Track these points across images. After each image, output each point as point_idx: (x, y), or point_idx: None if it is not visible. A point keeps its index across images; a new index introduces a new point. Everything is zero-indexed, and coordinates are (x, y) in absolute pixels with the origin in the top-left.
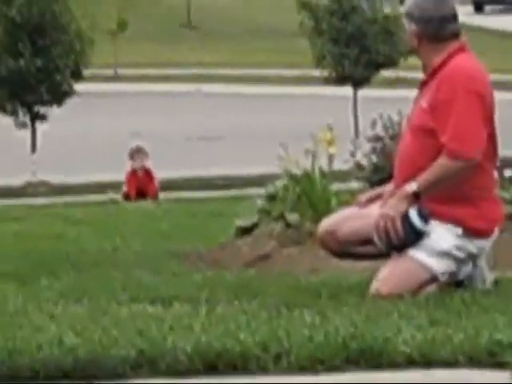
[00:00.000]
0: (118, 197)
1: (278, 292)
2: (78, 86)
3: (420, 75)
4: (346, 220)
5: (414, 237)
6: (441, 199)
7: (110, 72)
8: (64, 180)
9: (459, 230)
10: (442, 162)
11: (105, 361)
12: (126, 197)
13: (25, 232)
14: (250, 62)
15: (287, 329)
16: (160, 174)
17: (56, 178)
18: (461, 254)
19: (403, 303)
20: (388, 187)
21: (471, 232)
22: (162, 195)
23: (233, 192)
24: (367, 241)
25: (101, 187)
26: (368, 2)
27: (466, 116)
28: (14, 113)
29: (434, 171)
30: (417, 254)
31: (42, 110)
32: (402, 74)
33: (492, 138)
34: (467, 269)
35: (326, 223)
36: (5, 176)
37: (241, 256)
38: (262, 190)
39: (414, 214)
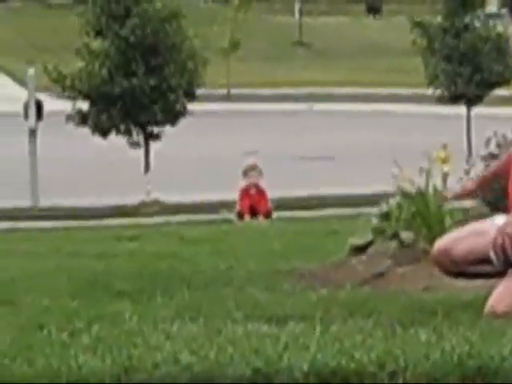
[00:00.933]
0: (232, 216)
1: (392, 310)
2: (192, 106)
3: None
4: (461, 239)
5: None
6: None
7: (223, 92)
8: (178, 199)
9: None
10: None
11: (221, 379)
12: (240, 215)
13: (139, 251)
14: (362, 81)
15: (403, 347)
16: (273, 193)
17: (170, 198)
18: None
19: None
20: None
21: None
22: (275, 214)
23: (346, 211)
24: (483, 260)
25: (214, 206)
26: (481, 21)
27: None
28: (127, 132)
29: None
30: None
31: (156, 129)
32: None
33: None
34: None
35: (440, 242)
36: (119, 195)
37: (355, 274)
38: (375, 209)
39: None
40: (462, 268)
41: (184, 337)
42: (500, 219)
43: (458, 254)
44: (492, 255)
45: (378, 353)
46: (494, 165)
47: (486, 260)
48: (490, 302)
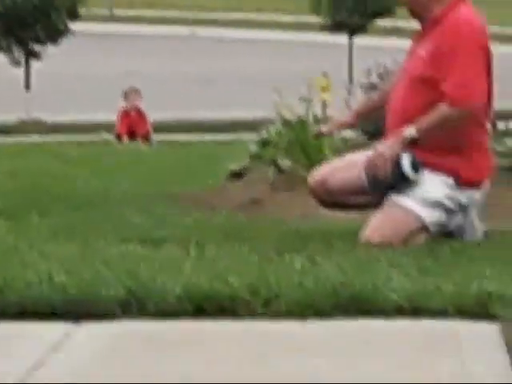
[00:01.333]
0: (111, 137)
1: (268, 237)
2: (74, 26)
3: (416, 25)
4: (336, 170)
5: (401, 182)
6: (434, 149)
7: (106, 12)
8: (58, 119)
9: (451, 181)
10: (444, 110)
11: (94, 299)
12: (118, 137)
13: (17, 169)
14: (246, 7)
15: (277, 274)
16: (152, 116)
17: (50, 117)
18: (451, 205)
19: (393, 251)
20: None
21: (462, 182)
22: (153, 137)
23: (225, 136)
24: (357, 191)
25: (94, 127)
26: None
27: (469, 65)
28: (8, 50)
29: (434, 118)
30: (408, 202)
31: (37, 48)
32: (399, 23)
33: (488, 91)
34: (458, 219)
35: (316, 174)
36: None
37: (232, 200)
38: (254, 135)
39: (406, 160)
40: (337, 199)
41: (59, 257)
42: (405, 200)
43: (333, 184)
44: (364, 171)
45: (252, 279)
46: (374, 95)
47: (360, 192)
48: (366, 231)
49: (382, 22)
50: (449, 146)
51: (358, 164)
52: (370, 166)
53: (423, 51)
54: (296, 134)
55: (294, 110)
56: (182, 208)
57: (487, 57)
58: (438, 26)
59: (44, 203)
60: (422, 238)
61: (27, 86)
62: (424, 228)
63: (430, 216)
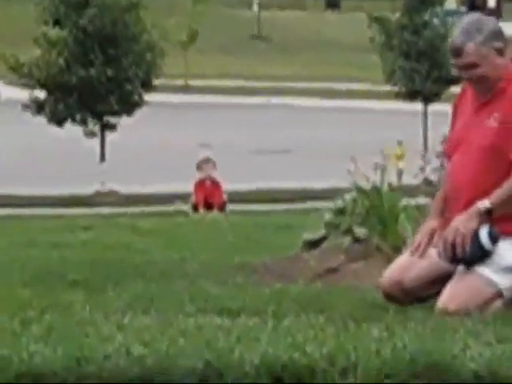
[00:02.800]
0: (187, 207)
1: (345, 306)
2: (148, 97)
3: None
4: (408, 268)
5: (480, 256)
6: (507, 216)
7: (180, 83)
8: (133, 190)
9: None
10: None
11: (172, 371)
12: (194, 207)
13: (93, 241)
14: (320, 76)
15: (354, 343)
16: (227, 186)
17: (125, 188)
18: None
19: (470, 320)
20: (431, 223)
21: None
22: (229, 207)
23: (300, 205)
24: (434, 281)
25: (169, 198)
26: (439, 18)
27: None
28: (83, 122)
29: (507, 190)
30: (483, 270)
31: (112, 119)
32: None
33: None
34: None
35: (389, 275)
36: (74, 185)
37: (308, 269)
38: (330, 204)
39: (484, 233)
40: (414, 296)
41: (136, 328)
42: (483, 269)
43: (410, 283)
44: (440, 249)
45: (330, 348)
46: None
47: (437, 280)
48: (442, 300)
49: (457, 89)
50: None
51: (430, 253)
52: (447, 243)
53: (492, 121)
54: (371, 202)
55: (369, 178)
56: (259, 278)
57: None
58: (503, 95)
59: (119, 275)
60: (497, 304)
61: (102, 157)
62: (499, 294)
63: (505, 282)
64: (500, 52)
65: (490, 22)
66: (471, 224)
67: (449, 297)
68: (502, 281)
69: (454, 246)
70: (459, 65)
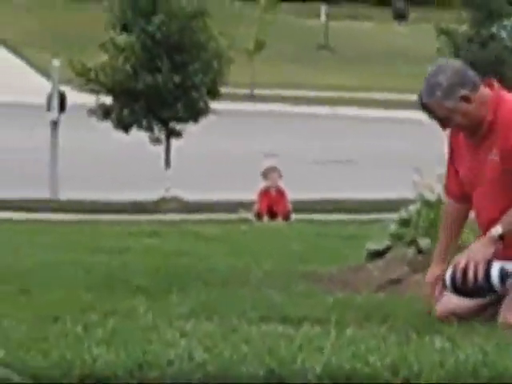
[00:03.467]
0: (250, 216)
1: (408, 317)
2: (215, 104)
3: None
4: (459, 302)
5: (486, 291)
6: None
7: (246, 92)
8: (197, 197)
9: None
10: None
11: (234, 378)
12: (258, 215)
13: (157, 247)
14: (386, 87)
15: (417, 353)
16: (292, 196)
17: (189, 195)
18: None
19: None
20: (435, 270)
21: None
22: (293, 216)
23: (365, 216)
24: (485, 307)
25: (233, 206)
26: (507, 31)
27: None
28: (149, 128)
29: None
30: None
31: (178, 126)
32: None
33: None
34: None
35: (441, 308)
36: (139, 191)
37: (372, 279)
38: (394, 215)
39: (495, 271)
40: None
41: (199, 335)
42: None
43: (462, 314)
44: (449, 272)
45: (393, 358)
46: (443, 236)
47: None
48: (501, 313)
49: None
50: None
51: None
52: (459, 269)
53: (492, 155)
54: (436, 214)
55: (435, 189)
56: (322, 287)
57: None
58: (494, 127)
59: (183, 282)
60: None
61: (167, 163)
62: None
63: None
64: (466, 99)
65: (449, 71)
66: (487, 251)
67: (507, 308)
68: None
69: (464, 272)
70: (434, 119)
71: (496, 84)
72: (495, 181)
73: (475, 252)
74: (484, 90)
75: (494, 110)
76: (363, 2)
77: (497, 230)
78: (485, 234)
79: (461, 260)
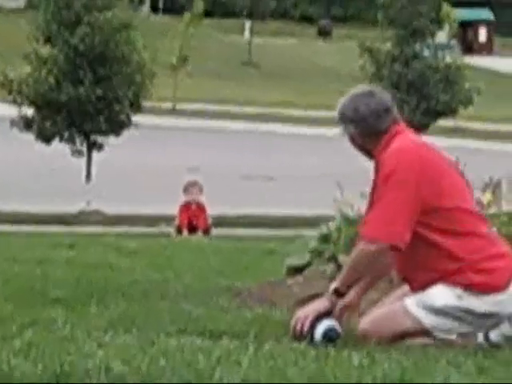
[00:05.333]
0: (171, 230)
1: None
2: (137, 118)
3: (478, 125)
4: (378, 325)
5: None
6: (439, 273)
7: (168, 106)
8: (118, 210)
9: (459, 291)
10: (357, 247)
11: None
12: (178, 230)
13: (76, 260)
14: (308, 104)
15: (335, 369)
16: (213, 211)
17: (110, 208)
18: (459, 313)
19: (452, 351)
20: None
21: (477, 290)
22: (214, 231)
23: (285, 232)
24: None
25: (154, 219)
26: (430, 50)
27: (387, 204)
28: (70, 140)
29: (349, 258)
30: (412, 307)
31: (99, 139)
32: (461, 123)
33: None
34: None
35: (363, 326)
36: (59, 203)
37: (291, 295)
38: (314, 231)
39: (321, 328)
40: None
41: (117, 346)
42: (407, 299)
43: (378, 335)
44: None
45: (310, 373)
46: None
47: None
48: (363, 324)
49: (445, 122)
50: (452, 266)
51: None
52: (295, 329)
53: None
54: (355, 230)
55: (354, 205)
56: (242, 302)
57: (431, 171)
58: (377, 165)
59: (102, 294)
60: (425, 341)
61: (88, 176)
62: (425, 331)
63: (428, 321)
64: (361, 135)
65: (349, 108)
66: (318, 306)
67: (370, 319)
68: (425, 318)
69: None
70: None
71: (401, 130)
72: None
73: (308, 308)
74: (388, 132)
75: (381, 151)
76: (287, 18)
77: (332, 285)
78: (404, 270)
79: (298, 313)
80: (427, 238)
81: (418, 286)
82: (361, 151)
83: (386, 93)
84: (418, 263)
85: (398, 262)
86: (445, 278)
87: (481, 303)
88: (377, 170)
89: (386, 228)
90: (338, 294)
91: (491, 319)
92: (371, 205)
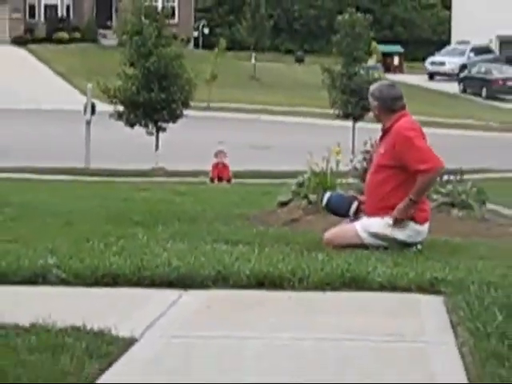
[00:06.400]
0: (206, 180)
1: (302, 241)
2: (186, 112)
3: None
4: (337, 236)
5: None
6: (384, 204)
7: (204, 104)
8: (174, 167)
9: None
10: (422, 184)
11: (196, 276)
12: (211, 180)
13: (148, 198)
14: (293, 103)
15: (307, 263)
16: (232, 168)
17: (169, 166)
18: (385, 237)
19: (379, 252)
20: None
21: (403, 220)
22: (233, 181)
23: (277, 180)
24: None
25: (197, 173)
26: (364, 70)
27: (421, 147)
28: (146, 126)
29: (420, 185)
30: (358, 226)
31: (163, 125)
32: None
33: None
34: (401, 236)
35: (327, 235)
36: (138, 163)
37: (280, 219)
38: (295, 180)
39: (355, 205)
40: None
41: (174, 250)
42: (357, 224)
43: (338, 242)
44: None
45: (292, 266)
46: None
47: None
48: (326, 235)
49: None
50: (397, 202)
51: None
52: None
53: (382, 149)
54: (320, 180)
55: (319, 165)
56: (250, 223)
57: (423, 136)
58: (389, 133)
59: (165, 219)
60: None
61: (156, 147)
62: (364, 245)
63: (368, 241)
64: (380, 109)
65: (377, 89)
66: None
67: (331, 234)
68: (365, 239)
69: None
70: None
71: (406, 114)
72: (377, 167)
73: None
74: (398, 112)
75: (393, 124)
76: (277, 51)
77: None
78: (367, 205)
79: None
80: (398, 179)
81: (371, 211)
82: (377, 120)
83: (399, 88)
84: (382, 195)
85: (367, 190)
86: (390, 210)
87: (402, 232)
88: (384, 137)
89: (437, 159)
90: (399, 218)
91: (405, 244)
92: (377, 169)
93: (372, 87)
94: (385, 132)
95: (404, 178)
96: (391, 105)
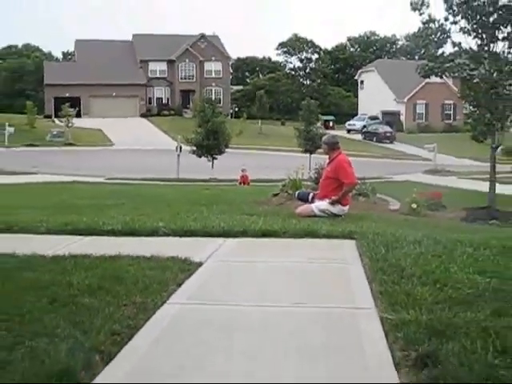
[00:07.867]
0: (236, 183)
1: (285, 214)
2: (226, 150)
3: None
4: (303, 210)
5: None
6: (327, 195)
7: (235, 146)
8: (220, 177)
9: (330, 201)
10: (347, 188)
11: (230, 231)
12: (239, 184)
13: (208, 193)
14: (280, 145)
15: (287, 224)
16: (251, 177)
17: (219, 177)
18: (327, 211)
19: (326, 219)
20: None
21: (339, 203)
22: (251, 184)
23: (273, 183)
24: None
25: (230, 180)
26: (316, 129)
27: (350, 170)
28: (206, 157)
29: (344, 191)
30: (313, 205)
31: (215, 156)
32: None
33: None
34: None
35: (297, 210)
36: (203, 175)
37: (273, 202)
38: (281, 183)
39: (311, 195)
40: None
41: (220, 218)
42: (313, 205)
43: (303, 214)
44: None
45: (280, 226)
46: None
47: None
48: (297, 209)
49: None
50: (335, 194)
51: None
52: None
53: (329, 168)
54: (294, 183)
55: (293, 175)
56: (259, 205)
57: (350, 164)
58: (333, 161)
59: (216, 202)
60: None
61: (212, 167)
62: (316, 215)
63: (319, 213)
64: (329, 148)
65: (327, 138)
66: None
67: (300, 208)
68: (317, 212)
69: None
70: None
71: (340, 150)
72: (326, 178)
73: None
74: (337, 149)
75: (336, 155)
76: (272, 119)
77: (331, 199)
78: (320, 191)
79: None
80: (335, 184)
81: (320, 198)
82: (326, 154)
83: (336, 137)
84: (327, 191)
85: (320, 188)
86: (330, 198)
87: (335, 209)
88: (330, 163)
89: (354, 178)
90: (334, 201)
91: (336, 215)
92: (325, 178)
93: (324, 137)
94: (330, 160)
95: (338, 184)
96: (333, 146)
